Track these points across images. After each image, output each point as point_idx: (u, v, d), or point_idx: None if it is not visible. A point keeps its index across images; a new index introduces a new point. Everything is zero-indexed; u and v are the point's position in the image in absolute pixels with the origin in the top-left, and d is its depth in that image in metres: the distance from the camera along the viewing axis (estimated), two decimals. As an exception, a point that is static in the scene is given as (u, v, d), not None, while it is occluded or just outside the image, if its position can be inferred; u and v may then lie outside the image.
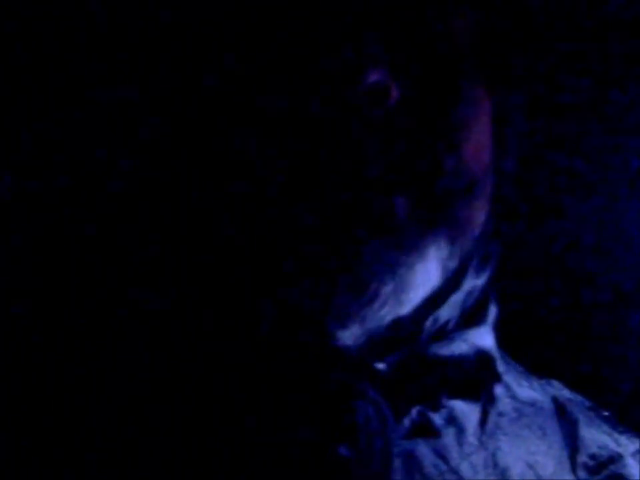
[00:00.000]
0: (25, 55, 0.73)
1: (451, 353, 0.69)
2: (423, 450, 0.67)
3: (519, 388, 0.74)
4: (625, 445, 0.74)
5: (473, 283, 0.71)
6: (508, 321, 0.76)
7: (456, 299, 0.70)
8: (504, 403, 0.72)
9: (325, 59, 0.63)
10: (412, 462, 0.66)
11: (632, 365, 0.91)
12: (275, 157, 0.63)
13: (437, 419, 0.69)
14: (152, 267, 0.69)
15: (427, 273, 0.66)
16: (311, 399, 0.65)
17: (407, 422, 0.68)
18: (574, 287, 0.86)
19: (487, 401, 0.71)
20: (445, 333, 0.70)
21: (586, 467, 0.72)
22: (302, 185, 0.63)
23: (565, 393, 0.77)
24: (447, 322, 0.70)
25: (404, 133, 0.64)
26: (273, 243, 0.64)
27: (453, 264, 0.68)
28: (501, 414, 0.72)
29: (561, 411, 0.75)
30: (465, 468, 0.68)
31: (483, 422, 0.70)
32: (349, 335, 0.65)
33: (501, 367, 0.73)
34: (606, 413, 0.77)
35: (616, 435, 0.75)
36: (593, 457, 0.72)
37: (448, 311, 0.70)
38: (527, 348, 0.79)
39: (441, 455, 0.68)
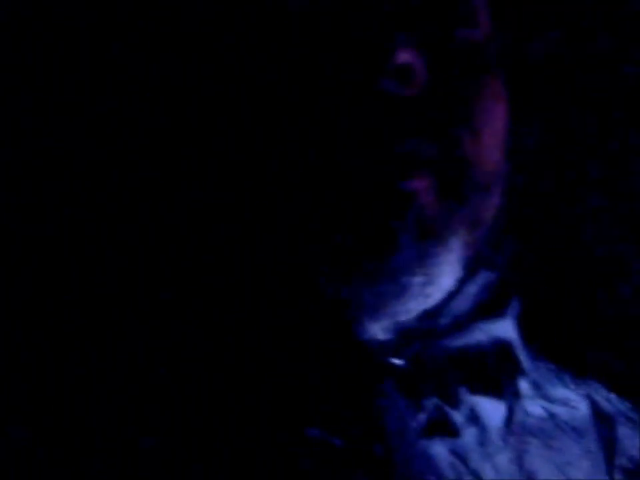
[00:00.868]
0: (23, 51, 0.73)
1: (466, 343, 0.67)
2: (440, 449, 0.63)
3: (550, 386, 0.71)
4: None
5: (487, 275, 0.69)
6: (538, 317, 0.72)
7: (469, 290, 0.68)
8: (533, 401, 0.69)
9: (356, 40, 0.62)
10: (427, 463, 0.62)
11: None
12: (306, 144, 0.63)
13: (457, 416, 0.65)
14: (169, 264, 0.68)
15: (450, 264, 0.64)
16: (331, 396, 0.64)
17: (422, 418, 0.64)
18: (607, 278, 0.81)
19: (511, 398, 0.67)
20: (461, 324, 0.67)
21: (624, 469, 0.68)
22: (332, 173, 0.62)
23: (601, 392, 0.72)
24: (462, 314, 0.67)
25: (430, 115, 0.63)
26: (305, 234, 0.63)
27: (468, 253, 0.66)
28: (528, 413, 0.68)
29: (596, 412, 0.70)
30: (486, 470, 0.64)
31: (508, 420, 0.66)
32: (379, 328, 0.64)
33: (527, 362, 0.69)
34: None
35: (657, 438, 0.71)
36: (631, 459, 0.68)
37: (462, 302, 0.67)
38: (561, 346, 0.75)
39: (460, 455, 0.63)
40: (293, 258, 0.64)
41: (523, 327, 0.70)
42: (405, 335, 0.65)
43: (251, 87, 0.64)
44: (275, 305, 0.65)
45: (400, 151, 0.62)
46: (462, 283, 0.66)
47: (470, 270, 0.67)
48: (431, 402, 0.64)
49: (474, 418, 0.65)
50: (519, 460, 0.65)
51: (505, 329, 0.69)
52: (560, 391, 0.71)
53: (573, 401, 0.70)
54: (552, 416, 0.68)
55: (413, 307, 0.64)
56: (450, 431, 0.64)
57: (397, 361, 0.65)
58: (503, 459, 0.64)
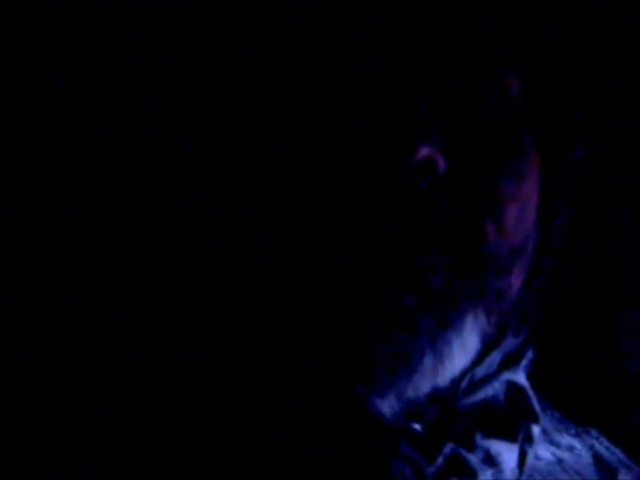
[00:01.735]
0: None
1: (484, 395, 0.68)
2: None
3: (557, 433, 0.73)
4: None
5: (511, 342, 0.70)
6: (546, 366, 0.74)
7: (493, 358, 0.69)
8: (542, 446, 0.71)
9: (379, 135, 0.62)
10: None
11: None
12: (324, 225, 0.63)
13: (472, 458, 0.67)
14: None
15: (464, 346, 0.65)
16: (347, 460, 0.64)
17: (440, 460, 0.66)
18: (617, 336, 0.84)
19: (524, 441, 0.69)
20: (479, 385, 0.68)
21: None
22: (348, 254, 0.63)
23: (602, 442, 0.75)
24: (482, 378, 0.69)
25: (448, 202, 0.63)
26: (315, 311, 0.63)
27: (490, 331, 0.66)
28: (538, 457, 0.70)
29: (598, 460, 0.73)
30: None
31: (521, 463, 0.69)
32: (386, 405, 0.64)
33: (537, 408, 0.71)
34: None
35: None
36: (631, 505, 0.71)
37: (484, 369, 0.69)
38: (565, 394, 0.77)
39: None
40: (308, 339, 0.64)
41: (533, 375, 0.73)
42: (415, 408, 0.65)
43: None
44: (288, 385, 0.65)
45: (417, 237, 0.62)
46: (484, 356, 0.67)
47: (492, 344, 0.67)
48: (448, 447, 0.66)
49: (489, 459, 0.67)
50: (532, 499, 0.67)
51: (519, 376, 0.70)
52: (565, 439, 0.73)
53: (576, 449, 0.73)
54: (559, 461, 0.71)
55: (422, 385, 0.64)
56: (467, 472, 0.66)
57: (415, 426, 0.66)
58: (518, 498, 0.67)
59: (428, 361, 0.63)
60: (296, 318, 0.64)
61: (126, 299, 0.68)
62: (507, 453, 0.68)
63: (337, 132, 0.63)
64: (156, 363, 0.66)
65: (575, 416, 0.76)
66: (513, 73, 0.66)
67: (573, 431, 0.75)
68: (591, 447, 0.74)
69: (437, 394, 0.65)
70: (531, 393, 0.71)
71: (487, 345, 0.67)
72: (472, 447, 0.67)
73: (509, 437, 0.69)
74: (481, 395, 0.68)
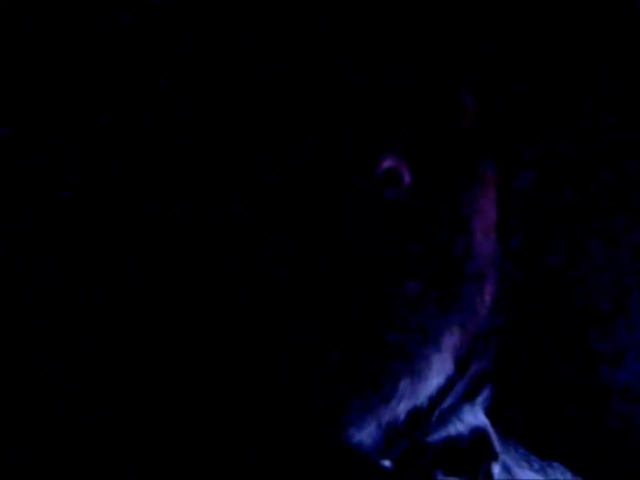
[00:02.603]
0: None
1: (447, 434, 0.67)
2: None
3: (518, 469, 0.73)
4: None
5: (477, 367, 0.70)
6: (508, 399, 0.74)
7: (459, 386, 0.69)
8: None
9: (342, 147, 0.63)
10: None
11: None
12: (288, 246, 0.62)
13: None
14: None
15: (442, 363, 0.65)
16: None
17: None
18: (585, 365, 0.84)
19: None
20: (445, 418, 0.68)
21: None
22: (314, 275, 0.62)
23: (567, 476, 0.75)
24: (448, 408, 0.68)
25: (415, 215, 0.63)
26: (290, 343, 0.63)
27: (462, 350, 0.66)
28: None
29: None
30: None
31: None
32: (366, 434, 0.64)
33: (498, 446, 0.71)
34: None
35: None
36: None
37: (451, 399, 0.68)
38: (528, 428, 0.77)
39: None
40: (281, 369, 0.63)
41: (494, 410, 0.72)
42: (392, 436, 0.64)
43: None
44: (262, 416, 0.64)
45: (386, 252, 0.62)
46: (456, 380, 0.67)
47: (463, 366, 0.67)
48: None
49: None
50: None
51: (478, 414, 0.70)
52: (527, 474, 0.73)
53: None
54: (521, 498, 0.71)
55: (400, 409, 0.64)
56: None
57: (385, 463, 0.65)
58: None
59: (406, 381, 0.63)
60: (265, 351, 0.63)
61: (126, 300, 0.67)
62: None
63: (300, 140, 0.63)
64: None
65: (541, 450, 0.76)
66: (466, 89, 0.67)
67: (536, 466, 0.74)
68: (555, 482, 0.74)
69: (414, 417, 0.65)
70: (490, 430, 0.71)
71: (459, 368, 0.67)
72: None
73: (469, 477, 0.68)
74: (445, 431, 0.68)
